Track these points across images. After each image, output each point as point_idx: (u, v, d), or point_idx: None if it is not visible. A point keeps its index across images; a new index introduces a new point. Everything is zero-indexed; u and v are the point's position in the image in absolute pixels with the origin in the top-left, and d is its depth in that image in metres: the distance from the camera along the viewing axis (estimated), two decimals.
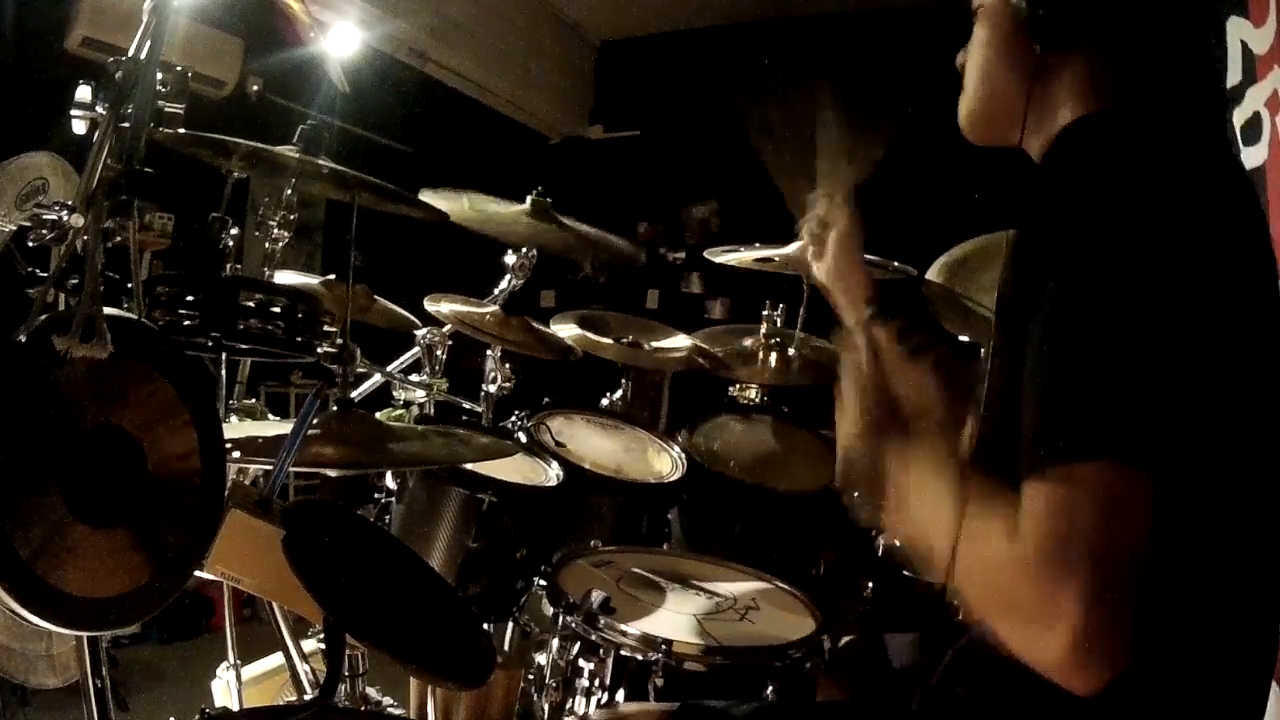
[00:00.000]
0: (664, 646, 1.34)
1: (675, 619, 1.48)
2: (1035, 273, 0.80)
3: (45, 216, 1.00)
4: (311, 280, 2.19)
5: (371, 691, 1.86)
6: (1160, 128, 0.86)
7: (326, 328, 1.54)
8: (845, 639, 1.64)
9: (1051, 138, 0.95)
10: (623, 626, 1.39)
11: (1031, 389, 0.77)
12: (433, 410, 2.27)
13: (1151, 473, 0.71)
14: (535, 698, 1.61)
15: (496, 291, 2.23)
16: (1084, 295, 0.76)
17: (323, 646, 1.09)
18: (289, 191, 2.01)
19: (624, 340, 2.34)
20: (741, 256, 2.26)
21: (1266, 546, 0.83)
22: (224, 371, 1.88)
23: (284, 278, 2.03)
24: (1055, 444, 0.73)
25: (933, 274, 1.99)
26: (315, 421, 1.32)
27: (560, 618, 1.47)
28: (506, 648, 2.00)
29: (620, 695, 1.39)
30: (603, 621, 1.40)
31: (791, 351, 2.31)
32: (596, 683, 1.41)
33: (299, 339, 1.45)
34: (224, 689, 1.90)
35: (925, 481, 0.89)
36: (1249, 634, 0.84)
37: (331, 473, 1.97)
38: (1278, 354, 0.83)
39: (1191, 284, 0.75)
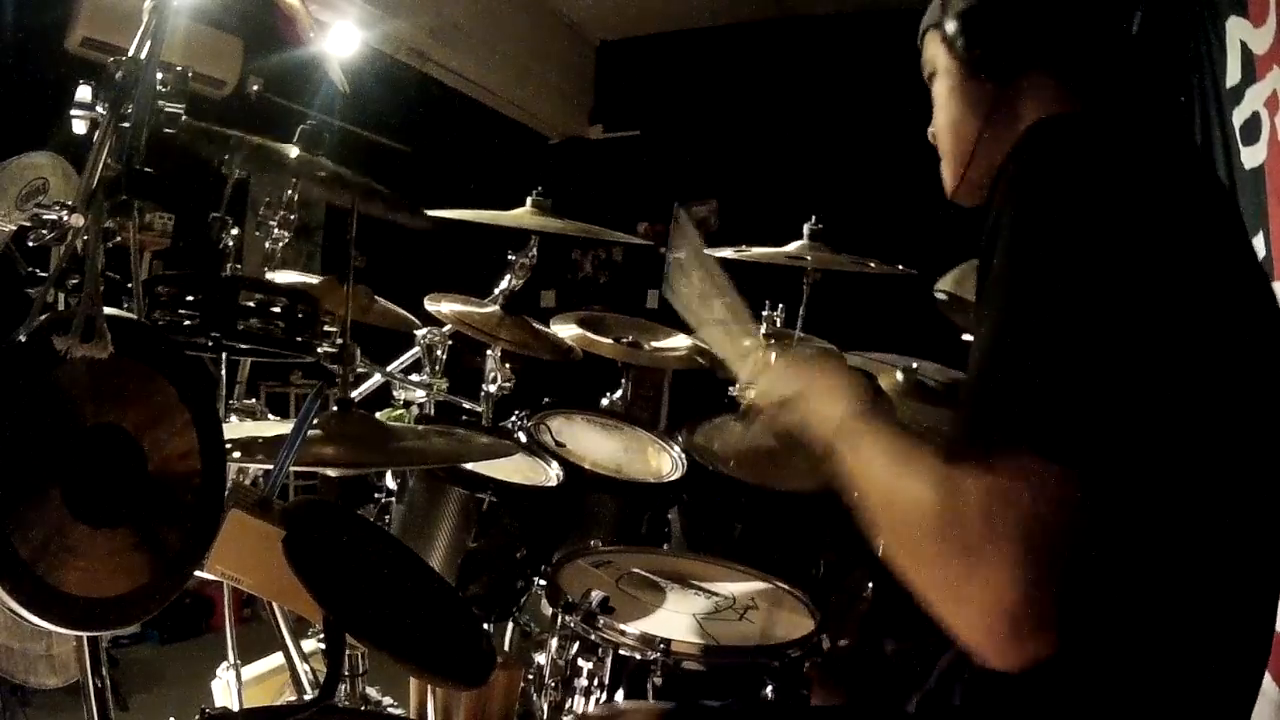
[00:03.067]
0: (662, 646, 1.34)
1: (674, 619, 1.48)
2: (989, 255, 0.80)
3: (45, 216, 1.00)
4: (312, 280, 2.19)
5: (371, 691, 1.87)
6: (1118, 122, 0.86)
7: (326, 328, 1.54)
8: (841, 641, 1.64)
9: None
10: (621, 626, 1.39)
11: (973, 360, 0.78)
12: (433, 410, 2.27)
13: (1076, 469, 0.70)
14: (535, 697, 1.61)
15: (496, 291, 2.23)
16: (1024, 279, 0.75)
17: (323, 646, 1.09)
18: (289, 192, 2.01)
19: (624, 340, 2.34)
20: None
21: (1239, 545, 0.82)
22: (224, 371, 1.89)
23: (284, 278, 2.04)
24: (990, 425, 0.73)
25: (944, 283, 1.99)
26: (315, 421, 1.32)
27: (559, 617, 1.47)
28: (506, 648, 2.00)
29: (619, 695, 1.40)
30: (601, 621, 1.40)
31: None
32: (595, 682, 1.41)
33: (299, 339, 1.46)
34: (224, 689, 1.90)
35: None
36: (1225, 632, 0.83)
37: (331, 473, 1.97)
38: (1245, 347, 0.82)
39: (1139, 277, 0.74)
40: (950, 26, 0.96)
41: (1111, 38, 0.97)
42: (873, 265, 2.21)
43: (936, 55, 1.02)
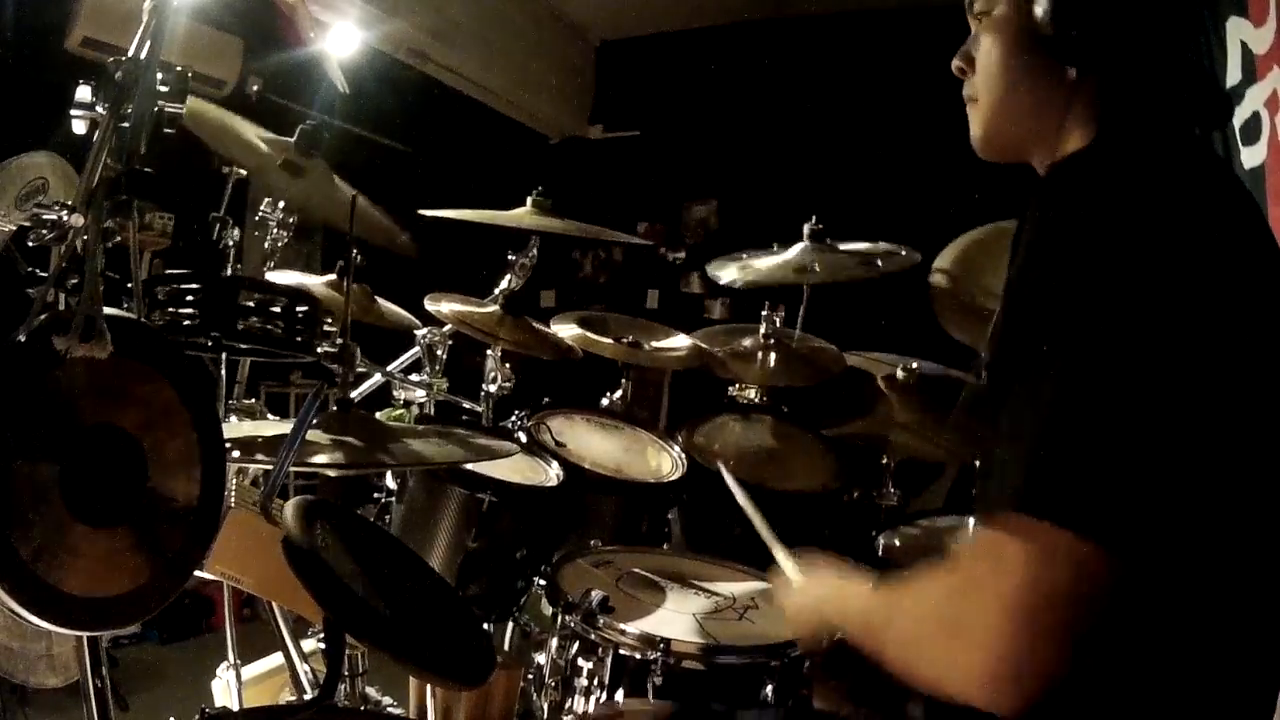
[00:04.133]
0: (662, 645, 1.34)
1: (674, 618, 1.48)
2: (1027, 317, 0.79)
3: (45, 216, 1.00)
4: (311, 280, 2.20)
5: (371, 691, 1.87)
6: (1169, 169, 0.84)
7: (326, 328, 1.54)
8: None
9: (1057, 160, 0.93)
10: (621, 625, 1.39)
11: (1011, 437, 0.77)
12: (433, 410, 2.27)
13: (1106, 548, 0.70)
14: (535, 697, 1.61)
15: (496, 291, 2.23)
16: (1077, 358, 0.74)
17: (323, 646, 1.09)
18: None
19: (624, 340, 2.34)
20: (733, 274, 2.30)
21: (1258, 622, 0.82)
22: (224, 371, 1.89)
23: (284, 278, 2.04)
24: (1026, 498, 0.73)
25: (941, 261, 1.99)
26: (315, 421, 1.32)
27: (559, 617, 1.47)
28: (506, 648, 2.00)
29: (619, 695, 1.40)
30: (601, 621, 1.40)
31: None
32: (595, 682, 1.41)
33: (299, 339, 1.46)
34: (224, 689, 1.90)
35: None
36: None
37: (331, 473, 1.96)
38: None
39: (1192, 360, 0.74)
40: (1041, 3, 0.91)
41: (1173, 46, 0.95)
42: (880, 263, 2.22)
43: (1001, 5, 0.96)
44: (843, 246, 2.32)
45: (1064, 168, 0.91)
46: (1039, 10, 0.90)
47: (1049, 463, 0.73)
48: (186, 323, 1.37)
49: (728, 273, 2.39)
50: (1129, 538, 0.71)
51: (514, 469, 1.85)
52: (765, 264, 2.35)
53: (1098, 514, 0.71)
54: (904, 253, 2.24)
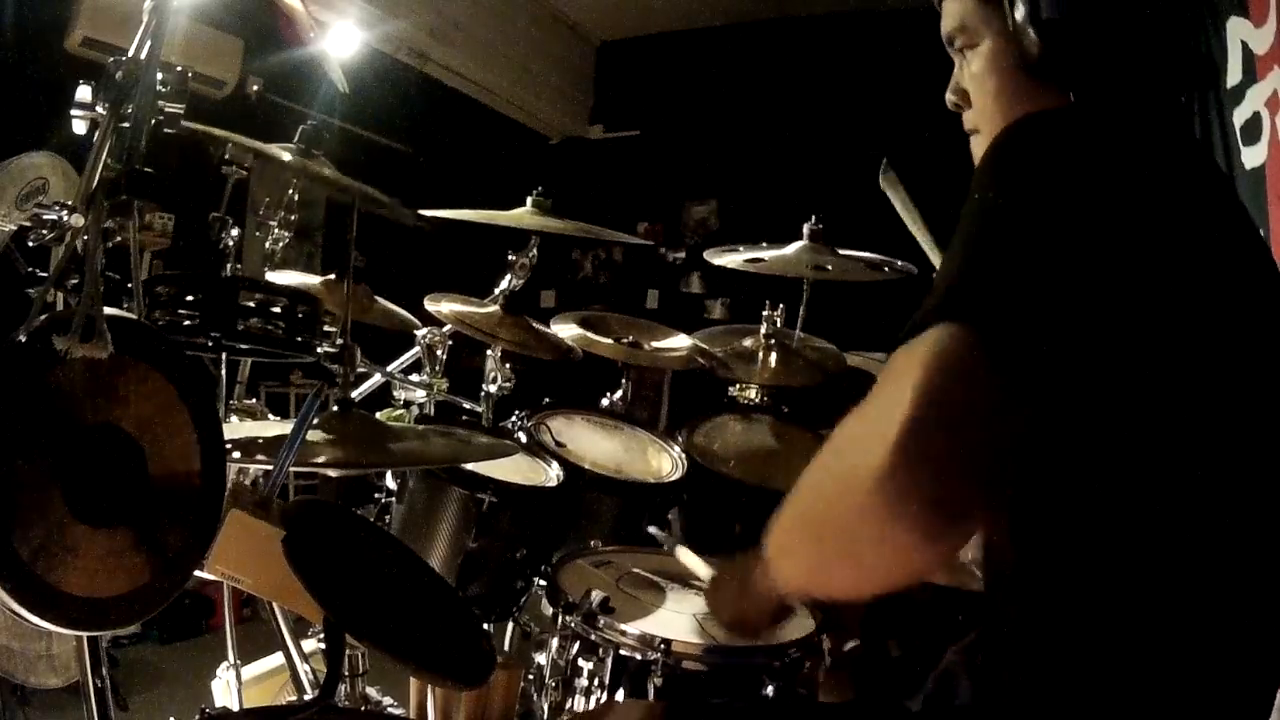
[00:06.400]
0: (663, 646, 1.34)
1: (675, 618, 1.48)
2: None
3: (45, 216, 1.00)
4: (312, 280, 2.20)
5: (371, 691, 1.87)
6: (1103, 115, 0.86)
7: (326, 328, 1.54)
8: (850, 644, 1.64)
9: None
10: (622, 626, 1.39)
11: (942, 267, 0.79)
12: (433, 410, 2.27)
13: (982, 334, 0.70)
14: (535, 697, 1.61)
15: (496, 291, 2.23)
16: (990, 212, 0.77)
17: (323, 646, 1.09)
18: (290, 192, 2.02)
19: (624, 340, 2.34)
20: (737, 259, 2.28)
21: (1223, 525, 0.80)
22: (224, 371, 1.89)
23: (284, 278, 2.04)
24: (941, 305, 0.73)
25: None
26: (315, 421, 1.32)
27: (559, 617, 1.47)
28: (506, 648, 2.00)
29: (620, 695, 1.40)
30: (602, 621, 1.40)
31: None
32: (595, 682, 1.41)
33: (299, 339, 1.46)
34: (224, 689, 1.90)
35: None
36: (1234, 616, 0.81)
37: (331, 473, 1.97)
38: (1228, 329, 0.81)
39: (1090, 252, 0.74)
40: (1019, 10, 0.92)
41: (1132, 36, 0.96)
42: (899, 264, 2.22)
43: (979, 25, 0.98)
44: (842, 252, 2.32)
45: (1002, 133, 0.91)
46: (1027, 40, 0.92)
47: (965, 273, 0.76)
48: (186, 323, 1.37)
49: (729, 259, 2.38)
50: (1024, 348, 0.70)
51: (514, 469, 1.85)
52: (771, 254, 2.34)
53: (996, 315, 0.71)
54: (900, 264, 2.24)
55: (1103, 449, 0.78)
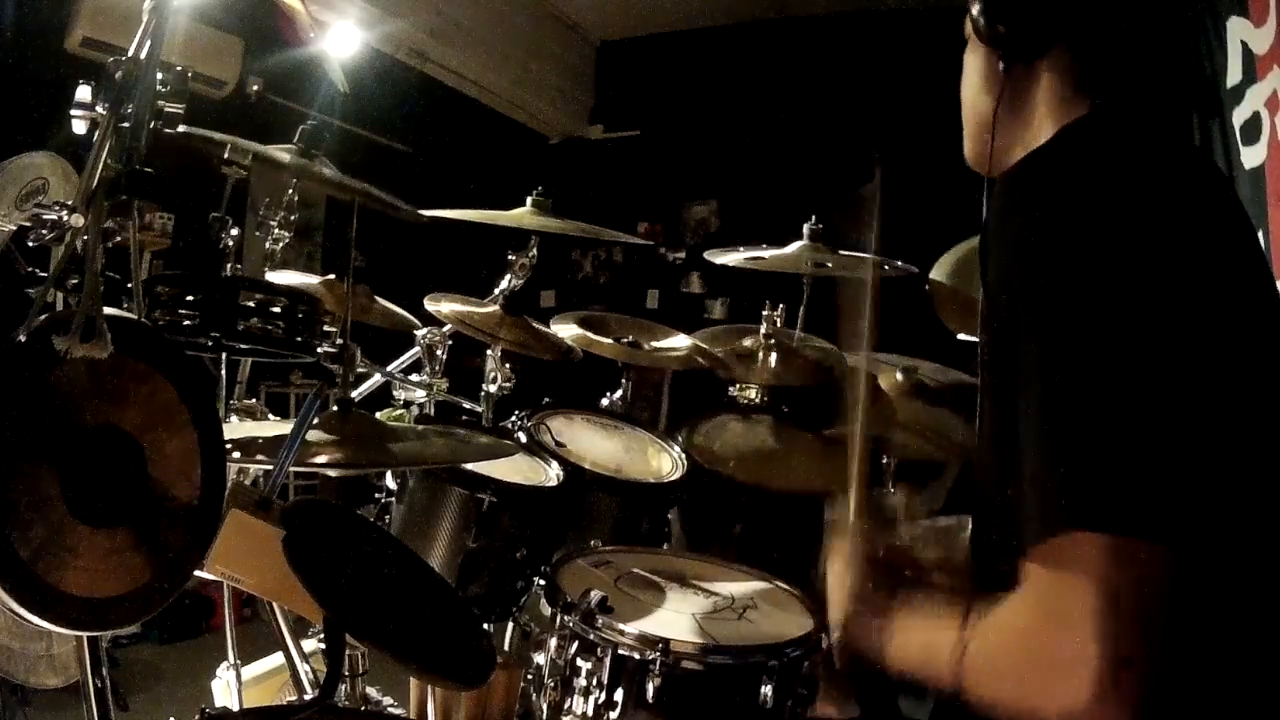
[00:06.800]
0: (661, 645, 1.34)
1: (674, 618, 1.48)
2: (1007, 317, 0.79)
3: (45, 216, 1.00)
4: (311, 280, 2.20)
5: (371, 691, 1.87)
6: (1133, 146, 0.85)
7: (326, 328, 1.54)
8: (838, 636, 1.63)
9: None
10: (620, 625, 1.39)
11: (1027, 456, 0.76)
12: (433, 410, 2.27)
13: (1169, 546, 0.69)
14: (535, 697, 1.61)
15: (496, 291, 2.23)
16: (1063, 355, 0.74)
17: (323, 646, 1.09)
18: (289, 192, 2.02)
19: (624, 340, 2.34)
20: (738, 258, 2.27)
21: None
22: (224, 371, 1.89)
23: (284, 278, 2.04)
24: (1051, 515, 0.72)
25: (936, 273, 1.99)
26: (315, 421, 1.32)
27: (559, 617, 1.47)
28: (506, 648, 2.00)
29: (619, 694, 1.39)
30: (600, 620, 1.40)
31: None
32: (594, 682, 1.41)
33: (299, 339, 1.46)
34: (224, 689, 1.90)
35: (924, 620, 0.91)
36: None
37: (331, 473, 1.97)
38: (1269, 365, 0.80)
39: (1172, 331, 0.73)
40: (976, 2, 0.94)
41: (1127, 28, 0.96)
42: (899, 264, 2.22)
43: (966, 24, 1.00)
44: (841, 252, 2.32)
45: (1022, 165, 0.92)
46: (980, 15, 0.94)
47: (1089, 470, 0.72)
48: (186, 323, 1.37)
49: (730, 258, 2.37)
50: (1187, 531, 0.70)
51: (514, 469, 1.85)
52: (771, 253, 2.34)
53: (1154, 514, 0.70)
54: (899, 263, 2.24)
55: None
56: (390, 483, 1.88)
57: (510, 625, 1.96)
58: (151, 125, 1.09)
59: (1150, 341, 0.72)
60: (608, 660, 1.39)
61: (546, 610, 1.58)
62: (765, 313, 2.34)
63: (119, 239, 1.08)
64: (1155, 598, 0.69)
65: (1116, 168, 0.82)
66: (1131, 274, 0.74)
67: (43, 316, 0.93)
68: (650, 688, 1.34)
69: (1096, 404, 0.72)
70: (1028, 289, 0.77)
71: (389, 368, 2.30)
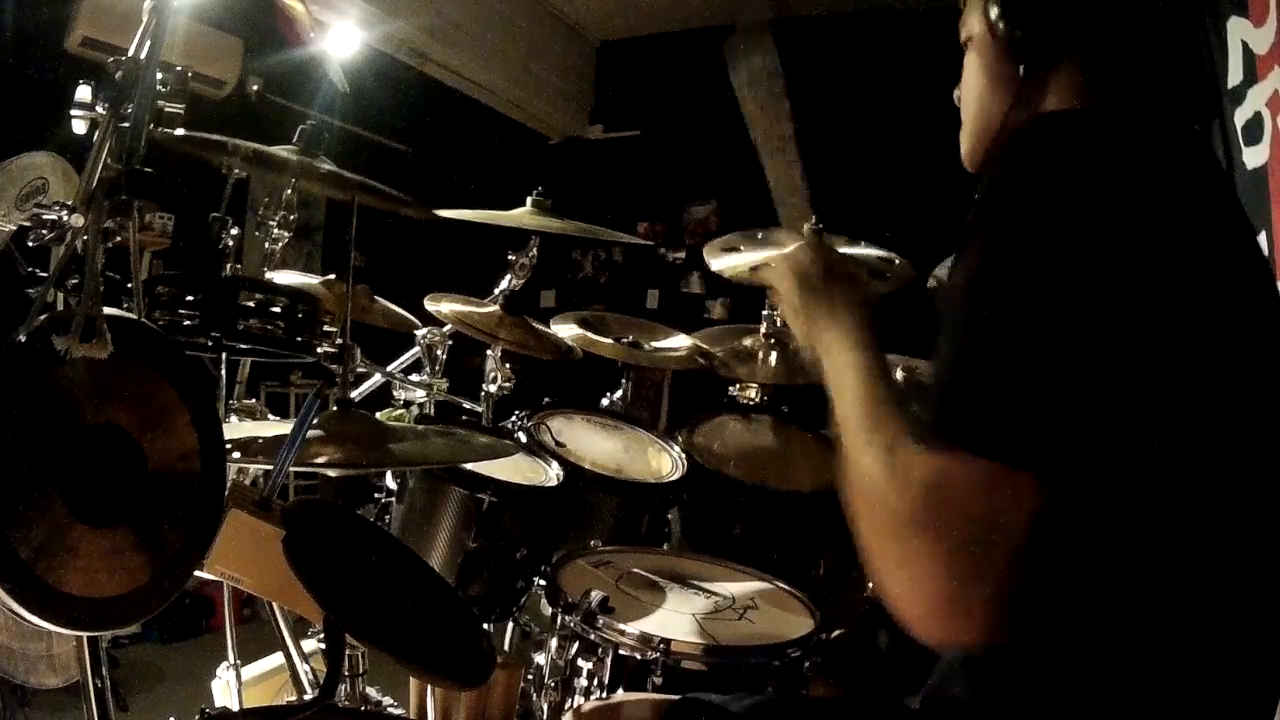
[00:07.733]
0: (662, 646, 1.34)
1: (674, 618, 1.48)
2: (963, 251, 0.81)
3: (45, 216, 1.00)
4: (311, 280, 2.19)
5: (371, 691, 1.86)
6: (1121, 122, 0.86)
7: (326, 328, 1.54)
8: (836, 632, 1.63)
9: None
10: (621, 626, 1.39)
11: (946, 351, 0.79)
12: (433, 410, 2.27)
13: (1032, 472, 0.71)
14: (535, 697, 1.61)
15: (496, 291, 2.23)
16: (999, 280, 0.76)
17: (323, 646, 1.09)
18: (289, 191, 2.01)
19: (624, 340, 2.34)
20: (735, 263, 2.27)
21: (1244, 545, 0.81)
22: (224, 371, 1.89)
23: (284, 278, 2.04)
24: (948, 424, 0.75)
25: (937, 273, 1.99)
26: (315, 421, 1.32)
27: (559, 617, 1.47)
28: (506, 648, 2.00)
29: (620, 693, 1.40)
30: (601, 621, 1.40)
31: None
32: (595, 682, 1.41)
33: (299, 339, 1.45)
34: (224, 689, 1.90)
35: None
36: (1234, 638, 0.82)
37: (331, 473, 1.97)
38: (1239, 347, 0.81)
39: (1115, 283, 0.74)
40: (994, 4, 0.94)
41: (1140, 33, 0.96)
42: (896, 262, 2.21)
43: (974, 25, 1.00)
44: (842, 250, 2.31)
45: (1016, 137, 0.92)
46: (998, 18, 0.94)
47: (962, 382, 0.76)
48: (186, 323, 1.37)
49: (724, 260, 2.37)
50: (1057, 464, 0.72)
51: (514, 469, 1.85)
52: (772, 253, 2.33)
53: (1026, 441, 0.72)
54: (898, 261, 2.23)
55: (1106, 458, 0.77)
56: (390, 483, 1.88)
57: (510, 625, 1.96)
58: (151, 126, 1.09)
59: (1094, 294, 0.73)
60: (609, 660, 1.40)
61: (547, 610, 1.58)
62: (765, 312, 2.34)
63: (119, 239, 1.08)
64: (1013, 528, 0.71)
65: (1108, 137, 0.83)
66: (1095, 229, 0.75)
67: (43, 316, 0.93)
68: (651, 688, 1.34)
69: (1016, 335, 0.74)
70: (995, 222, 0.80)
71: (389, 368, 2.30)
